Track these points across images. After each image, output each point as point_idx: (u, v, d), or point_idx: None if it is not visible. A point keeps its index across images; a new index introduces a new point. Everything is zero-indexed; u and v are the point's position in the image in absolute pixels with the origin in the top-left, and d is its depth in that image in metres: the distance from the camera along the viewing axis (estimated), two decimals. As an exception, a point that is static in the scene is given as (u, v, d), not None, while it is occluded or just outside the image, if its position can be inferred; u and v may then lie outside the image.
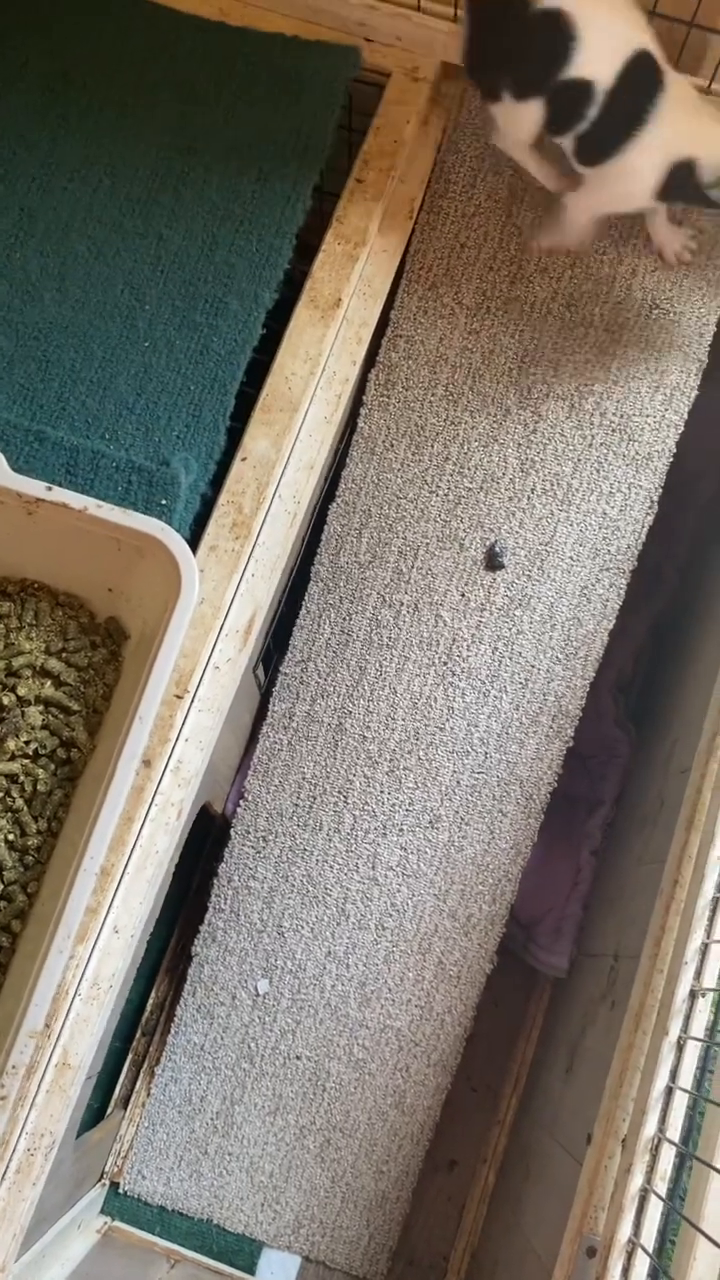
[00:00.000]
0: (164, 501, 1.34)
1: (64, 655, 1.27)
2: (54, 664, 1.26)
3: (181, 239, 1.48)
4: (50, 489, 1.21)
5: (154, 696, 1.16)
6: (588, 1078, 1.47)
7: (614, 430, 1.61)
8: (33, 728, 1.23)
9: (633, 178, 1.42)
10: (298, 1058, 1.66)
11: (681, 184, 1.40)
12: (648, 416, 1.61)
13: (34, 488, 1.21)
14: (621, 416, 1.61)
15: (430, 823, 1.64)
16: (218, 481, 1.40)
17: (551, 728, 1.63)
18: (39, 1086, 1.18)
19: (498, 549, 1.62)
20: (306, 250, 1.52)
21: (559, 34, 1.33)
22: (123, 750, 1.14)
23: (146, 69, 1.56)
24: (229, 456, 1.41)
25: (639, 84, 1.36)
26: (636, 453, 1.61)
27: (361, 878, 1.65)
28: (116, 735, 1.18)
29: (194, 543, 1.37)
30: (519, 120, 1.46)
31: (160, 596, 1.22)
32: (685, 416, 1.61)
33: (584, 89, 1.37)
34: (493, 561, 1.62)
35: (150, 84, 1.56)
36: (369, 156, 1.55)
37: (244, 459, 1.41)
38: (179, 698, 1.30)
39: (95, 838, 1.12)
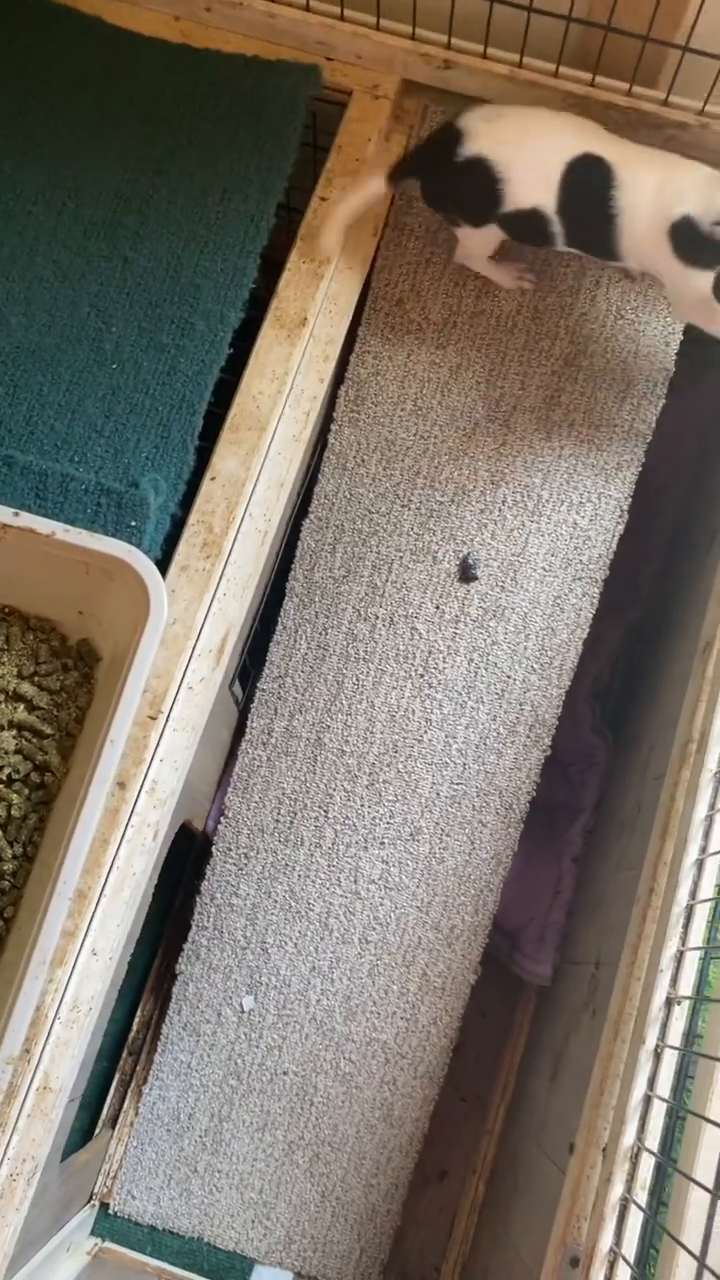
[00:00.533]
0: (134, 523, 1.34)
1: (36, 679, 1.28)
2: (26, 688, 1.26)
3: (147, 260, 1.49)
4: (17, 514, 1.22)
5: (125, 719, 1.16)
6: (571, 1087, 1.47)
7: (582, 441, 1.62)
8: (5, 752, 1.23)
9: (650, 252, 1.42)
10: (285, 1073, 1.66)
11: (691, 238, 1.37)
12: (615, 427, 1.62)
13: (1, 513, 1.21)
14: (590, 427, 1.62)
15: (411, 835, 1.64)
16: (188, 501, 1.41)
17: (529, 737, 1.64)
18: (20, 1111, 1.18)
19: (471, 561, 1.63)
20: (276, 268, 1.53)
21: (486, 179, 1.41)
22: (94, 773, 1.14)
23: (109, 92, 1.57)
24: (198, 476, 1.42)
25: (589, 186, 1.39)
26: (605, 463, 1.62)
27: (344, 892, 1.65)
28: (90, 758, 1.19)
29: (165, 563, 1.37)
30: (480, 240, 1.54)
31: (130, 618, 1.22)
32: (653, 426, 1.62)
33: (532, 214, 1.43)
34: (466, 573, 1.63)
35: (113, 107, 1.57)
36: (332, 174, 1.56)
37: (213, 478, 1.41)
38: (153, 719, 1.30)
39: (68, 861, 1.13)
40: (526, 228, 1.46)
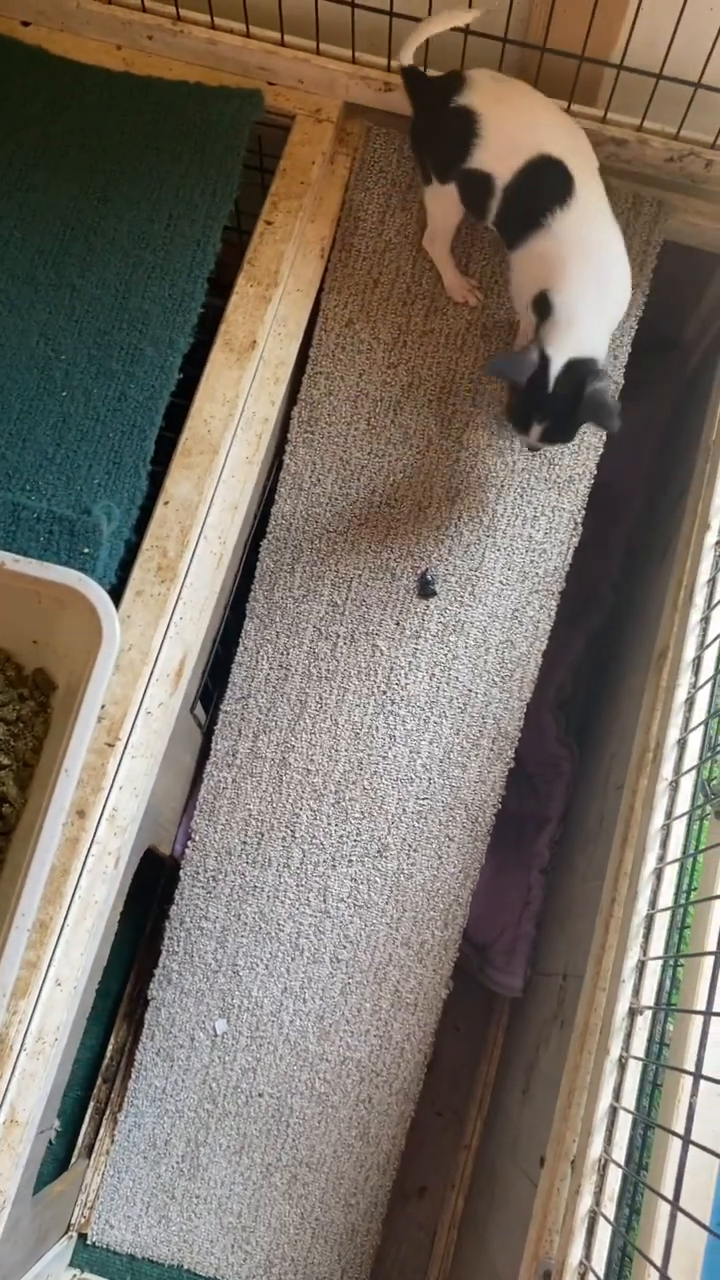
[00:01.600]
0: (86, 550, 1.34)
1: (-8, 710, 1.27)
2: (-18, 719, 1.26)
3: (95, 288, 1.50)
4: (-33, 546, 1.21)
5: (79, 748, 1.16)
6: (542, 1099, 1.48)
7: (535, 455, 1.63)
8: (-38, 785, 1.23)
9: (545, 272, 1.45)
10: (260, 1095, 1.65)
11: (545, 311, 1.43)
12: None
13: (-49, 546, 1.21)
14: (541, 441, 1.63)
15: (378, 852, 1.65)
16: (141, 527, 1.41)
17: (492, 750, 1.65)
18: (-16, 1147, 1.18)
19: (429, 577, 1.64)
20: (225, 292, 1.54)
21: (465, 129, 1.43)
22: (50, 803, 1.14)
23: (53, 122, 1.58)
24: (151, 501, 1.42)
25: (541, 187, 1.42)
26: (558, 476, 1.64)
27: (313, 911, 1.65)
28: (47, 788, 1.18)
29: (120, 589, 1.37)
30: (443, 205, 1.55)
31: (84, 646, 1.22)
32: (604, 439, 1.63)
33: (484, 179, 1.45)
34: (425, 589, 1.64)
35: (58, 136, 1.57)
36: (277, 198, 1.57)
37: (166, 503, 1.42)
38: (110, 745, 1.30)
39: (26, 893, 1.12)
40: (474, 191, 1.48)
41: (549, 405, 1.40)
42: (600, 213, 1.43)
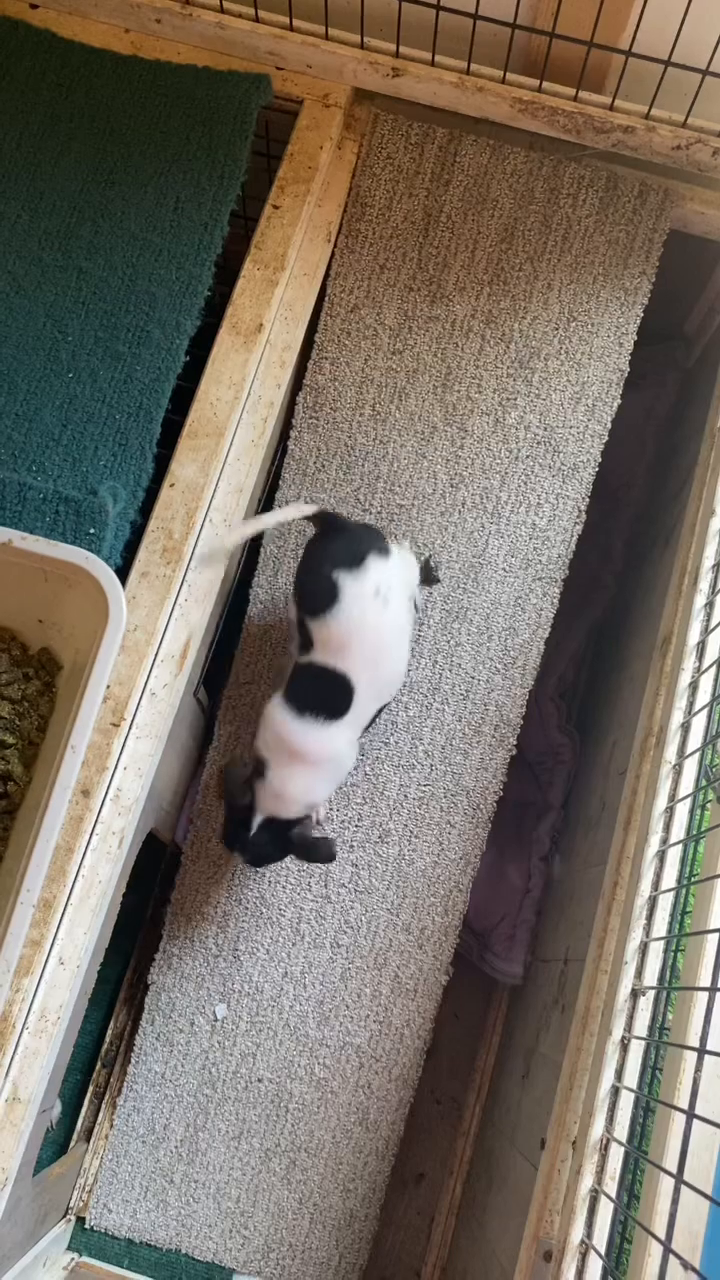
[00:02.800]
0: (92, 530, 1.34)
1: (-3, 689, 1.27)
2: (-13, 698, 1.26)
3: (102, 270, 1.50)
4: (-26, 524, 1.21)
5: (85, 727, 1.16)
6: (542, 1083, 1.48)
7: (539, 443, 1.64)
8: (-33, 763, 1.23)
9: None
10: (259, 1080, 1.66)
11: None
12: (571, 428, 1.64)
13: (-42, 523, 1.21)
14: (545, 429, 1.64)
15: (380, 838, 1.65)
16: (147, 508, 1.41)
17: (494, 737, 1.65)
18: (-13, 1123, 1.18)
19: (432, 563, 1.64)
20: (232, 276, 1.54)
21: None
22: (56, 781, 1.14)
23: (62, 105, 1.58)
24: (157, 483, 1.42)
25: None
26: (562, 464, 1.64)
27: (314, 896, 1.65)
28: (52, 766, 1.19)
29: (126, 570, 1.37)
30: None
31: (90, 625, 1.22)
32: (608, 426, 1.64)
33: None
34: (428, 576, 1.64)
35: (66, 119, 1.57)
36: (284, 183, 1.57)
37: (172, 485, 1.42)
38: (115, 726, 1.30)
39: (31, 870, 1.12)
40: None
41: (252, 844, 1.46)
42: None
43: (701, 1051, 1.00)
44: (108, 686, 1.30)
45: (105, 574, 1.20)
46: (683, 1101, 1.08)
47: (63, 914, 1.24)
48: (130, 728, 1.32)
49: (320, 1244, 1.66)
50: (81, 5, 1.62)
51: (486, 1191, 1.66)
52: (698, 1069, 0.99)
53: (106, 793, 1.29)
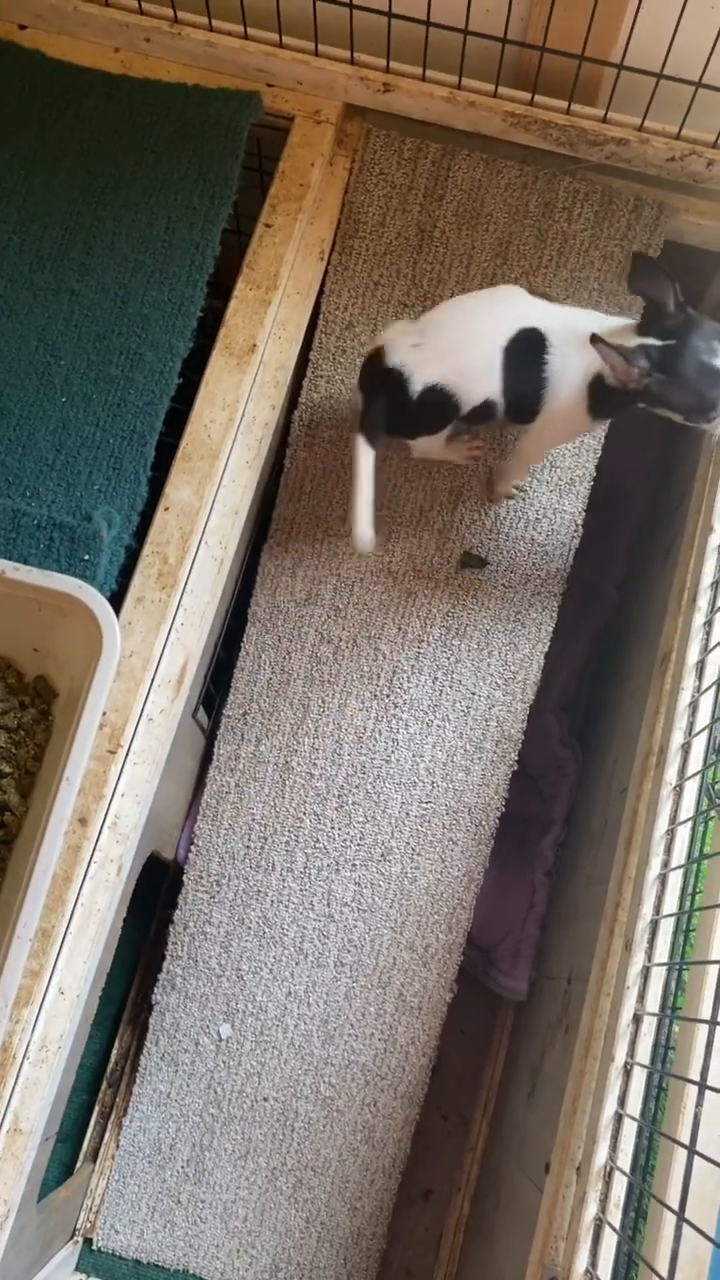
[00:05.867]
0: (87, 557, 1.34)
1: (-7, 718, 1.27)
2: (-17, 728, 1.25)
3: (94, 292, 1.49)
4: (-33, 554, 1.21)
5: (80, 755, 1.16)
6: (548, 1104, 1.47)
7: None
8: (-36, 794, 1.23)
9: (567, 418, 1.42)
10: (265, 1099, 1.65)
11: (604, 395, 1.38)
12: (567, 443, 1.62)
13: (-49, 554, 1.21)
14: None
15: (382, 856, 1.64)
16: (142, 533, 1.40)
17: (495, 753, 1.64)
18: (-12, 1156, 1.18)
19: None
20: (225, 296, 1.53)
21: (442, 399, 1.40)
22: (51, 812, 1.14)
23: (51, 125, 1.57)
24: (152, 507, 1.41)
25: (523, 361, 1.38)
26: (559, 479, 1.63)
27: (317, 915, 1.65)
28: (49, 796, 1.18)
29: (121, 595, 1.37)
30: (436, 441, 1.52)
31: (85, 653, 1.22)
32: (603, 441, 1.63)
33: (485, 407, 1.41)
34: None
35: (56, 140, 1.57)
36: (276, 200, 1.56)
37: (167, 509, 1.41)
38: (112, 753, 1.30)
39: (28, 902, 1.12)
40: (478, 417, 1.45)
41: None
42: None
43: (702, 1086, 0.99)
44: (104, 714, 1.29)
45: (99, 603, 1.20)
46: (685, 1131, 1.07)
47: (62, 943, 1.24)
48: (127, 754, 1.31)
49: (328, 1262, 1.66)
50: (70, 25, 1.61)
51: (494, 1210, 1.66)
52: (699, 1103, 0.98)
53: (104, 820, 1.28)
